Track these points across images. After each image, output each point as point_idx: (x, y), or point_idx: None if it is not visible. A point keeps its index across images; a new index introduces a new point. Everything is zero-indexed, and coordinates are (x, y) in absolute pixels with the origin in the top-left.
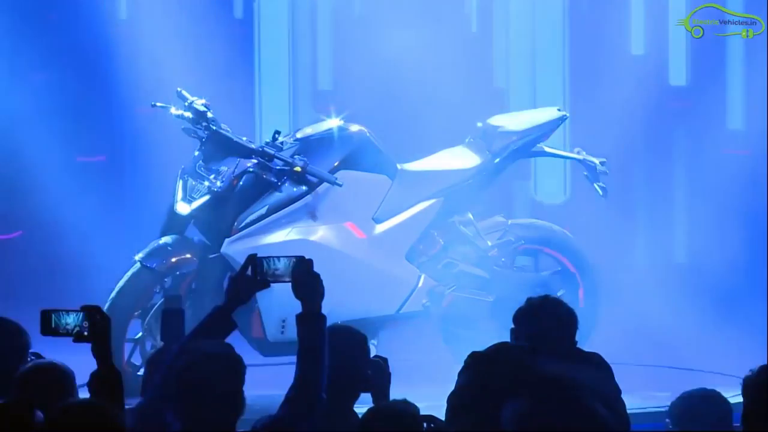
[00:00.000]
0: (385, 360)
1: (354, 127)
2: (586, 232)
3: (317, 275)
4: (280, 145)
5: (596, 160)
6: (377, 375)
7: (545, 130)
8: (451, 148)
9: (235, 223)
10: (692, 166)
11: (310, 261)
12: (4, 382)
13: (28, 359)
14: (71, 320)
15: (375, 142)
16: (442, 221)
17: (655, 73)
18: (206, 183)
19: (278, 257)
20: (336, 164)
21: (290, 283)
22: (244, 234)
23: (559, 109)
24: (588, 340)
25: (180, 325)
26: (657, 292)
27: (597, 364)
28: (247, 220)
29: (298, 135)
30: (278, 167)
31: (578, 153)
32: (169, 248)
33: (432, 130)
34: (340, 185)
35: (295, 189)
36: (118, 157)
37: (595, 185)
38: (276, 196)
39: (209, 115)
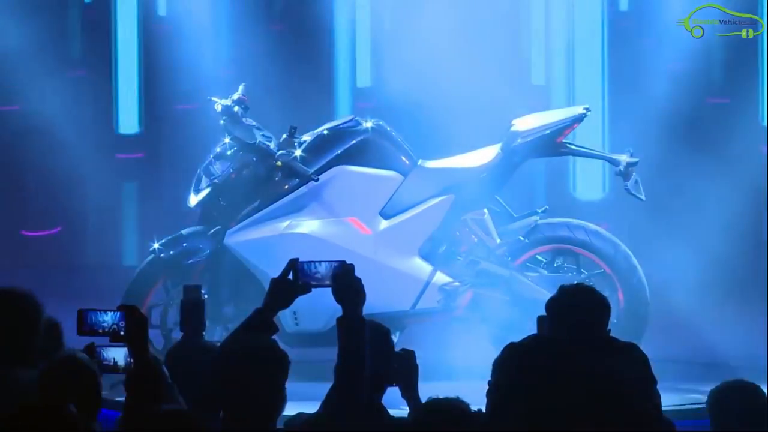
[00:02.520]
0: (411, 353)
1: (367, 123)
2: (626, 229)
3: (359, 280)
4: (295, 140)
5: (624, 160)
6: (403, 368)
7: (556, 127)
8: (489, 146)
9: (236, 216)
10: (730, 163)
11: (352, 266)
12: (21, 354)
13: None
14: (108, 319)
15: (390, 137)
16: (455, 218)
17: (694, 71)
18: (211, 177)
19: (319, 261)
20: (337, 158)
21: (330, 288)
22: (241, 226)
23: (586, 108)
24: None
25: (200, 315)
26: (697, 289)
27: (633, 355)
28: (243, 213)
29: (317, 131)
30: (268, 162)
31: (629, 155)
32: (183, 239)
33: (473, 129)
34: (316, 180)
35: (286, 183)
36: (158, 154)
37: (626, 187)
38: (267, 190)
39: (235, 109)
